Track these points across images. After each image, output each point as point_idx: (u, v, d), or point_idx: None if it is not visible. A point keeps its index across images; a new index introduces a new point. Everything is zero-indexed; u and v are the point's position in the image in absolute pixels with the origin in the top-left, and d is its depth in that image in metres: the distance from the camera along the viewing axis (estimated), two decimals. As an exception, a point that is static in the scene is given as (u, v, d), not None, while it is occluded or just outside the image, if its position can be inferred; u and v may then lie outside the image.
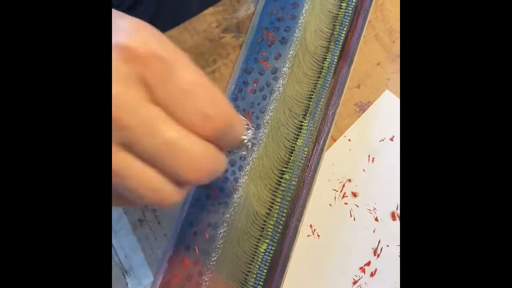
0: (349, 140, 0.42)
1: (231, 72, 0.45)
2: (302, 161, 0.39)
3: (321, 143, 0.39)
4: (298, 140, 0.40)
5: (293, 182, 0.39)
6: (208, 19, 0.48)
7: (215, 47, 0.47)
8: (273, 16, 0.43)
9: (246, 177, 0.39)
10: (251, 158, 0.40)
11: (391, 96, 0.43)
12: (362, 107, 0.43)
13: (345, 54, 0.41)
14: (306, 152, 0.39)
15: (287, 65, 0.42)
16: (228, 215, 0.39)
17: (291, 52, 0.42)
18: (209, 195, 0.39)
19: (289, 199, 0.38)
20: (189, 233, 0.38)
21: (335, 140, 0.43)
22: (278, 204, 0.38)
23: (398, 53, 0.45)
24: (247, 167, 0.39)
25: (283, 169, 0.39)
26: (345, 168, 0.41)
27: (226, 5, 0.48)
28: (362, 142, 0.42)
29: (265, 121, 0.40)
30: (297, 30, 0.42)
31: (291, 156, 0.40)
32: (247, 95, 0.41)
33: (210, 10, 0.48)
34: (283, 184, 0.39)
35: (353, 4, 0.42)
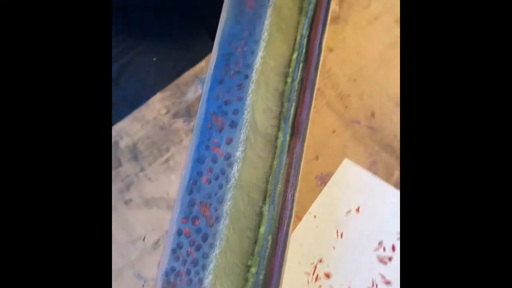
0: (315, 216, 0.41)
1: (185, 160, 0.44)
2: (268, 250, 0.37)
3: (284, 227, 0.38)
4: (260, 228, 0.38)
5: (261, 276, 0.37)
6: (156, 105, 0.47)
7: (166, 135, 0.46)
8: (219, 100, 0.42)
9: (211, 277, 0.37)
10: (214, 254, 0.38)
11: (350, 164, 0.42)
12: (323, 179, 0.42)
13: (297, 130, 0.40)
14: (270, 240, 0.38)
15: (240, 149, 0.40)
16: (197, 321, 0.36)
17: (242, 135, 0.41)
18: (174, 300, 0.37)
19: (259, 294, 0.36)
20: None
21: (300, 219, 0.41)
22: (248, 301, 0.36)
23: (352, 118, 0.44)
24: (211, 265, 0.37)
25: (249, 262, 0.37)
26: (315, 248, 0.40)
27: (173, 89, 0.48)
28: (328, 217, 0.40)
29: (224, 211, 0.39)
30: (245, 111, 0.41)
31: (255, 246, 0.38)
32: (203, 186, 0.40)
33: (158, 96, 0.47)
34: (250, 279, 0.37)
35: (298, 78, 0.42)
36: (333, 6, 0.47)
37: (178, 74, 0.48)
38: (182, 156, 0.45)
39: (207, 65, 0.48)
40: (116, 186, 0.44)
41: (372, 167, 0.42)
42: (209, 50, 0.53)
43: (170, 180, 0.44)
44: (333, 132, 0.44)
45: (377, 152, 0.43)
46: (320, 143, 0.43)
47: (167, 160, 0.45)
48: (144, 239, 0.42)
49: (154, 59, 0.50)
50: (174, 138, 0.45)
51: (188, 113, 0.47)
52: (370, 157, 0.43)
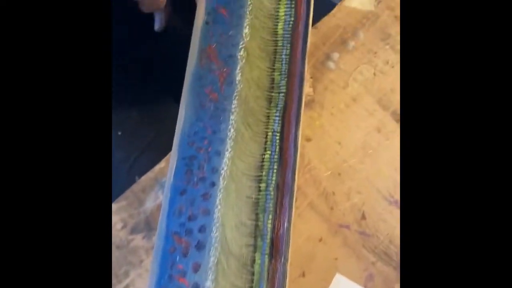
0: None
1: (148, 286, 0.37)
2: None
3: None
4: None
5: None
6: (112, 219, 0.40)
7: (124, 255, 0.39)
8: (182, 216, 0.35)
9: None
10: None
11: (343, 280, 0.35)
12: (313, 301, 0.35)
13: (277, 249, 0.34)
14: None
15: (209, 277, 0.34)
16: None
17: (211, 259, 0.34)
18: None
19: None
20: None
21: None
22: None
23: (340, 222, 0.37)
24: None
25: None
26: None
27: (129, 198, 0.41)
28: None
29: None
30: (214, 228, 0.35)
31: None
32: (167, 328, 0.32)
33: (112, 207, 0.40)
34: None
35: (274, 182, 0.36)
36: (307, 89, 0.42)
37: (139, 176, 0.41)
38: (144, 280, 0.37)
39: (167, 166, 0.41)
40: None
41: (369, 283, 0.36)
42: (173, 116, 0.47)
43: (129, 316, 0.36)
44: (320, 240, 0.37)
45: (372, 263, 0.36)
46: (305, 255, 0.37)
47: (127, 287, 0.37)
48: None
49: (119, 133, 0.45)
50: (133, 259, 0.38)
51: (148, 226, 0.40)
52: (365, 270, 0.36)
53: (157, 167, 0.42)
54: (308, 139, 0.41)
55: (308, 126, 0.41)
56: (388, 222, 0.37)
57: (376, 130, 0.41)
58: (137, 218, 0.40)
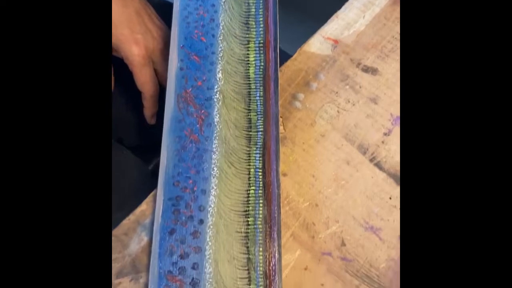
0: None
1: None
2: None
3: None
4: None
5: None
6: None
7: (110, 301, 0.38)
8: (174, 255, 0.36)
9: None
10: None
11: (332, 305, 0.37)
12: (305, 329, 0.37)
13: (271, 280, 0.36)
14: None
15: (207, 314, 0.34)
16: None
17: (207, 295, 0.34)
18: None
19: None
20: None
21: None
22: None
23: (322, 250, 0.40)
24: None
25: None
26: None
27: (112, 241, 0.40)
28: None
29: None
30: (207, 265, 0.36)
31: None
32: None
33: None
34: None
35: (261, 215, 0.37)
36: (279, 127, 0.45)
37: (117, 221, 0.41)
38: (133, 326, 0.37)
39: (149, 208, 0.42)
40: None
41: (356, 306, 0.38)
42: (133, 169, 0.48)
43: None
44: (305, 269, 0.39)
45: (356, 286, 0.39)
46: (293, 285, 0.39)
47: (114, 335, 0.37)
48: None
49: None
50: (121, 305, 0.38)
51: (134, 269, 0.39)
52: (351, 294, 0.38)
53: (139, 210, 0.42)
54: (284, 174, 0.43)
55: (283, 162, 0.44)
56: (366, 247, 0.40)
57: (346, 163, 0.44)
58: (122, 262, 0.40)
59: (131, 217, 0.42)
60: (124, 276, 0.39)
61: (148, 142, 0.58)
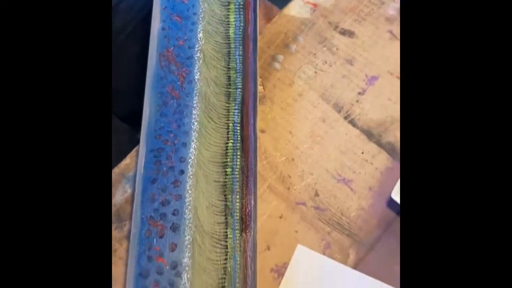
0: (278, 315, 0.37)
1: (124, 272, 0.39)
2: None
3: (250, 338, 0.34)
4: None
5: None
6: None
7: (96, 247, 0.40)
8: (155, 202, 0.38)
9: None
10: None
11: (304, 250, 0.40)
12: (279, 271, 0.39)
13: (246, 224, 0.37)
14: None
15: (186, 254, 0.36)
16: None
17: (187, 238, 0.37)
18: None
19: None
20: None
21: (262, 321, 0.37)
22: None
23: (297, 200, 0.42)
24: None
25: None
26: None
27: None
28: (292, 313, 0.37)
29: (179, 331, 0.34)
30: (186, 211, 0.38)
31: None
32: (150, 304, 0.35)
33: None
34: None
35: (238, 166, 0.40)
36: (258, 87, 0.47)
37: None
38: (119, 268, 0.39)
39: (132, 162, 0.44)
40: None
41: (327, 250, 0.40)
42: (122, 134, 0.49)
43: (108, 302, 0.38)
44: (281, 217, 0.42)
45: (328, 233, 0.41)
46: (269, 231, 0.41)
47: (100, 278, 0.39)
48: None
49: None
50: (106, 249, 0.40)
51: (118, 218, 0.42)
52: (323, 240, 0.41)
53: (123, 163, 0.44)
54: (263, 131, 0.45)
55: (262, 119, 0.46)
56: (338, 197, 0.43)
57: (321, 121, 0.46)
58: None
59: (116, 170, 0.44)
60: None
61: (136, 110, 0.59)
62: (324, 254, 0.40)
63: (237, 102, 0.43)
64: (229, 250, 0.37)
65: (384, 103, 0.47)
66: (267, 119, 0.46)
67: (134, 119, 0.49)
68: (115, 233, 0.41)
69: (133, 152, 0.44)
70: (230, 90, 0.44)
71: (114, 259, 0.40)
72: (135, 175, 0.42)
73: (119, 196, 0.43)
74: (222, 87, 0.44)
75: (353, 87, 0.47)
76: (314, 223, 0.42)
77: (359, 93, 0.47)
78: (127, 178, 0.44)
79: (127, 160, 0.44)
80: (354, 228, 0.41)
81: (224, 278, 0.36)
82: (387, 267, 0.39)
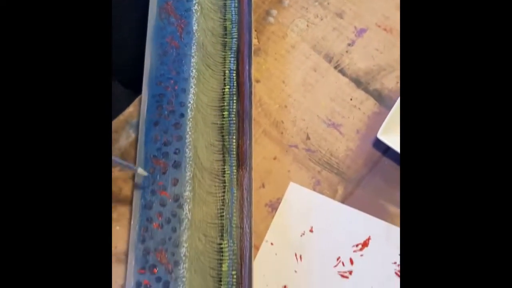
0: (272, 244, 0.41)
1: (130, 208, 0.42)
2: (234, 287, 0.36)
3: (247, 261, 0.37)
4: (223, 265, 0.37)
5: (232, 314, 0.36)
6: (87, 158, 0.44)
7: (103, 186, 0.43)
8: (158, 142, 0.41)
9: (179, 325, 0.35)
10: (179, 301, 0.36)
11: (296, 186, 0.43)
12: (273, 206, 0.43)
13: (242, 161, 0.41)
14: (235, 276, 0.37)
15: (187, 188, 0.40)
16: None
17: (188, 174, 0.40)
18: None
19: (233, 334, 0.35)
20: None
21: (257, 249, 0.41)
22: None
23: (290, 143, 0.45)
24: (178, 313, 0.35)
25: (217, 302, 0.36)
26: (277, 276, 0.40)
27: (103, 139, 0.45)
28: (285, 242, 0.41)
29: (182, 255, 0.37)
30: (187, 150, 0.41)
31: (221, 284, 0.37)
32: (155, 232, 0.38)
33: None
34: (221, 319, 0.35)
35: (234, 110, 0.42)
36: (253, 40, 0.49)
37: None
38: (125, 205, 0.42)
39: (136, 110, 0.47)
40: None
41: (317, 187, 0.44)
42: (124, 99, 0.51)
43: (116, 232, 0.41)
44: (274, 159, 0.45)
45: (318, 172, 0.44)
46: (264, 171, 0.44)
47: (108, 213, 0.42)
48: (95, 301, 0.39)
49: None
50: (113, 188, 0.43)
51: (124, 160, 0.44)
52: (313, 178, 0.44)
53: (127, 111, 0.47)
54: (258, 81, 0.48)
55: (257, 70, 0.48)
56: (328, 140, 0.46)
57: (313, 70, 0.49)
58: (112, 155, 0.45)
59: (120, 117, 0.47)
60: (114, 166, 0.44)
61: (137, 75, 0.60)
62: (314, 190, 0.44)
63: (233, 51, 0.45)
64: (226, 184, 0.40)
65: (372, 54, 0.49)
66: (262, 69, 0.49)
67: (136, 85, 0.50)
68: (121, 174, 0.44)
69: (136, 101, 0.47)
70: (226, 39, 0.46)
71: (119, 197, 0.43)
72: (138, 122, 0.45)
73: (123, 140, 0.46)
74: (218, 37, 0.46)
75: (343, 39, 0.50)
76: (305, 163, 0.45)
77: (349, 45, 0.50)
78: (130, 124, 0.46)
79: (131, 109, 0.47)
80: (342, 167, 0.45)
81: (223, 209, 0.40)
82: (372, 201, 0.43)
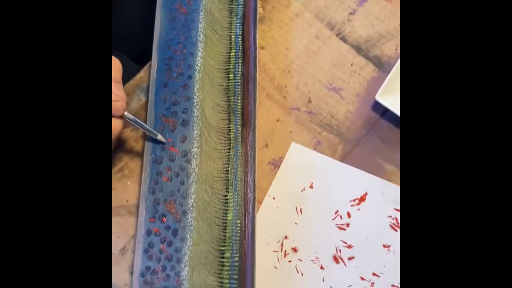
0: (274, 198, 0.43)
1: (140, 165, 0.44)
2: (238, 234, 0.39)
3: (250, 211, 0.40)
4: (228, 215, 0.40)
5: (236, 258, 0.38)
6: (100, 119, 0.47)
7: (117, 144, 0.45)
8: (167, 102, 0.43)
9: (187, 269, 0.38)
10: (186, 247, 0.38)
11: (298, 146, 0.45)
12: (275, 164, 0.45)
13: (247, 121, 0.43)
14: (239, 225, 0.39)
15: (195, 145, 0.42)
16: (180, 314, 0.37)
17: (195, 132, 0.42)
18: (154, 300, 0.37)
19: (237, 277, 0.38)
20: None
21: (260, 202, 0.43)
22: (227, 285, 0.37)
23: (292, 106, 0.47)
24: (185, 257, 0.38)
25: (222, 248, 0.39)
26: (279, 227, 0.42)
27: (115, 101, 0.47)
28: (286, 197, 0.43)
29: (190, 205, 0.40)
30: (195, 110, 0.43)
31: (226, 232, 0.39)
32: (164, 185, 0.41)
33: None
34: (226, 264, 0.38)
35: (240, 72, 0.44)
36: (258, 9, 0.51)
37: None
38: (136, 162, 0.45)
39: (146, 74, 0.49)
40: (71, 202, 0.43)
41: (318, 147, 0.46)
42: (132, 72, 0.53)
43: (127, 187, 0.44)
44: (277, 120, 0.47)
45: (319, 132, 0.46)
46: (267, 132, 0.46)
47: (121, 169, 0.45)
48: (109, 249, 0.42)
49: None
50: (125, 146, 0.46)
51: (144, 123, 0.47)
52: (314, 138, 0.46)
53: (138, 76, 0.49)
54: (262, 47, 0.50)
55: (261, 38, 0.50)
56: (329, 103, 0.48)
57: (316, 37, 0.51)
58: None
59: (132, 82, 0.49)
60: (126, 127, 0.47)
61: (145, 51, 0.61)
62: (315, 150, 0.46)
63: (239, 17, 0.47)
64: (232, 141, 0.43)
65: (372, 22, 0.51)
66: (266, 37, 0.51)
67: (144, 60, 0.52)
68: (132, 134, 0.47)
69: (146, 67, 0.49)
70: (232, 6, 0.48)
71: (131, 155, 0.46)
72: (148, 85, 0.47)
73: (134, 103, 0.48)
74: (225, 3, 0.48)
75: (344, 8, 0.52)
76: (306, 125, 0.47)
77: (350, 13, 0.51)
78: (141, 88, 0.49)
79: (141, 74, 0.49)
80: (342, 128, 0.47)
81: (228, 164, 0.42)
82: (370, 160, 0.45)
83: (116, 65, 0.41)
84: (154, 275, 0.38)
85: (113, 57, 0.41)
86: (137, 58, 0.60)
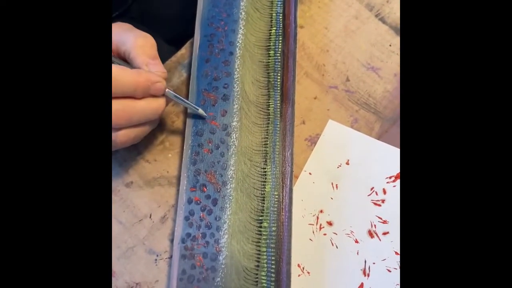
0: (310, 173, 0.43)
1: (181, 139, 0.45)
2: (276, 205, 0.40)
3: (288, 184, 0.40)
4: (266, 187, 0.40)
5: (273, 228, 0.39)
6: (143, 93, 0.48)
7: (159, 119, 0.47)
8: (208, 77, 0.44)
9: (226, 236, 0.39)
10: (226, 216, 0.39)
11: (335, 124, 0.45)
12: (312, 140, 0.45)
13: (286, 96, 0.43)
14: (277, 196, 0.40)
15: (235, 119, 0.43)
16: (219, 279, 0.38)
17: (235, 106, 0.43)
18: (193, 265, 0.38)
19: (274, 246, 0.38)
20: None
21: (297, 177, 0.44)
22: (265, 253, 0.38)
23: (330, 84, 0.47)
24: (224, 225, 0.39)
25: (260, 217, 0.40)
26: (314, 201, 0.42)
27: (157, 76, 0.48)
28: (322, 173, 0.43)
29: (229, 176, 0.41)
30: (235, 85, 0.44)
31: (264, 203, 0.40)
32: (205, 156, 0.42)
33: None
34: (264, 233, 0.39)
35: (280, 49, 0.45)
36: (298, -12, 0.51)
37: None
38: (177, 136, 0.46)
39: (188, 51, 0.50)
40: (115, 171, 0.45)
41: (355, 125, 0.46)
42: (167, 54, 0.54)
43: (168, 159, 0.45)
44: (315, 98, 0.47)
45: (356, 111, 0.46)
46: (305, 109, 0.47)
47: (162, 142, 0.46)
48: (150, 216, 0.43)
49: None
50: (167, 120, 0.47)
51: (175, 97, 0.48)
52: (351, 116, 0.46)
53: (179, 53, 0.50)
54: (301, 27, 0.50)
55: (301, 17, 0.50)
56: (367, 82, 0.48)
57: (355, 18, 0.50)
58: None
59: (173, 59, 0.50)
60: (168, 101, 0.48)
61: (179, 33, 0.62)
62: (352, 127, 0.46)
63: (280, -4, 0.48)
64: (271, 116, 0.43)
65: (413, 2, 0.50)
66: (306, 16, 0.51)
67: (179, 42, 0.53)
68: (173, 108, 0.48)
69: (187, 44, 0.50)
70: (273, -15, 0.48)
71: (172, 129, 0.47)
72: (190, 62, 0.48)
73: (175, 79, 0.49)
74: (266, -18, 0.48)
75: (385, -12, 0.51)
76: (344, 103, 0.47)
77: (390, -6, 0.51)
78: (182, 65, 0.50)
79: (183, 51, 0.50)
80: (379, 107, 0.47)
81: (267, 138, 0.43)
82: (407, 139, 0.45)
83: (150, 42, 0.41)
84: (194, 242, 0.39)
85: (146, 33, 0.41)
86: (170, 40, 0.61)
